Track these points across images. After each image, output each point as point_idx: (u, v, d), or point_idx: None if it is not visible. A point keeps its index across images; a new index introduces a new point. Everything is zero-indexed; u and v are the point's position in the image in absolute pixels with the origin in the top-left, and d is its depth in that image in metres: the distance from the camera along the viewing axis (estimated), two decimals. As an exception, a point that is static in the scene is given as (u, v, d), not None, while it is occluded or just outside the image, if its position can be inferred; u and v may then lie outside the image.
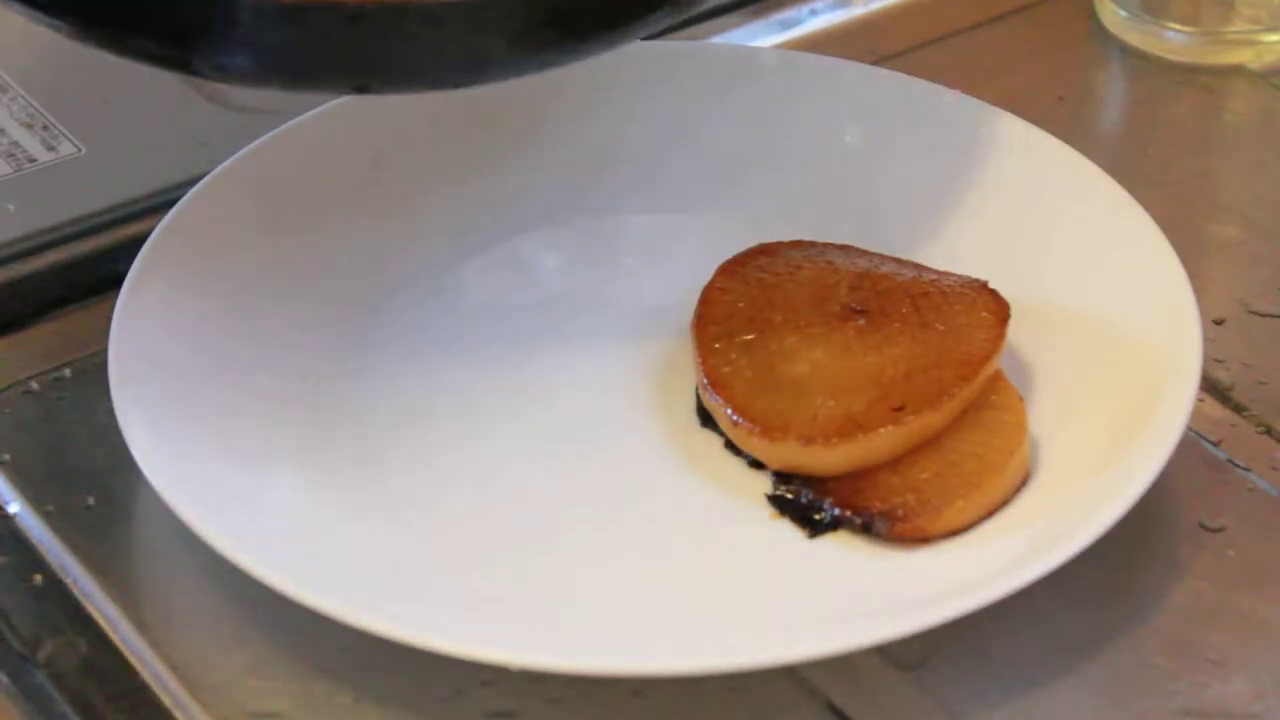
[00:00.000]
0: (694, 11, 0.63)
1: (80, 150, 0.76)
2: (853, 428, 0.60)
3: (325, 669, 0.58)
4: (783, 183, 0.73)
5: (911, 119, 0.73)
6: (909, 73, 0.74)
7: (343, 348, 0.67)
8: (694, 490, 0.62)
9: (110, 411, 0.61)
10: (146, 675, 0.58)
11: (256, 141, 0.71)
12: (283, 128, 0.71)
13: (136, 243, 0.67)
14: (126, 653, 0.59)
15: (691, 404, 0.65)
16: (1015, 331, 0.65)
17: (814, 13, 0.86)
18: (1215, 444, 0.65)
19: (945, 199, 0.71)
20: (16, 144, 0.76)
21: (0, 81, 0.79)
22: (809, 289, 0.66)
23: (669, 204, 0.72)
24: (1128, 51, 0.84)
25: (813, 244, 0.68)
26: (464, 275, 0.70)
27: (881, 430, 0.60)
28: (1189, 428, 0.62)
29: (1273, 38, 0.83)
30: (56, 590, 0.61)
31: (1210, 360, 0.67)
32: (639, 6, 0.59)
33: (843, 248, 0.68)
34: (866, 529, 0.59)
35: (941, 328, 0.64)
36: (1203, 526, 0.63)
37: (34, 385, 0.67)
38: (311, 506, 0.61)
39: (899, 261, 0.67)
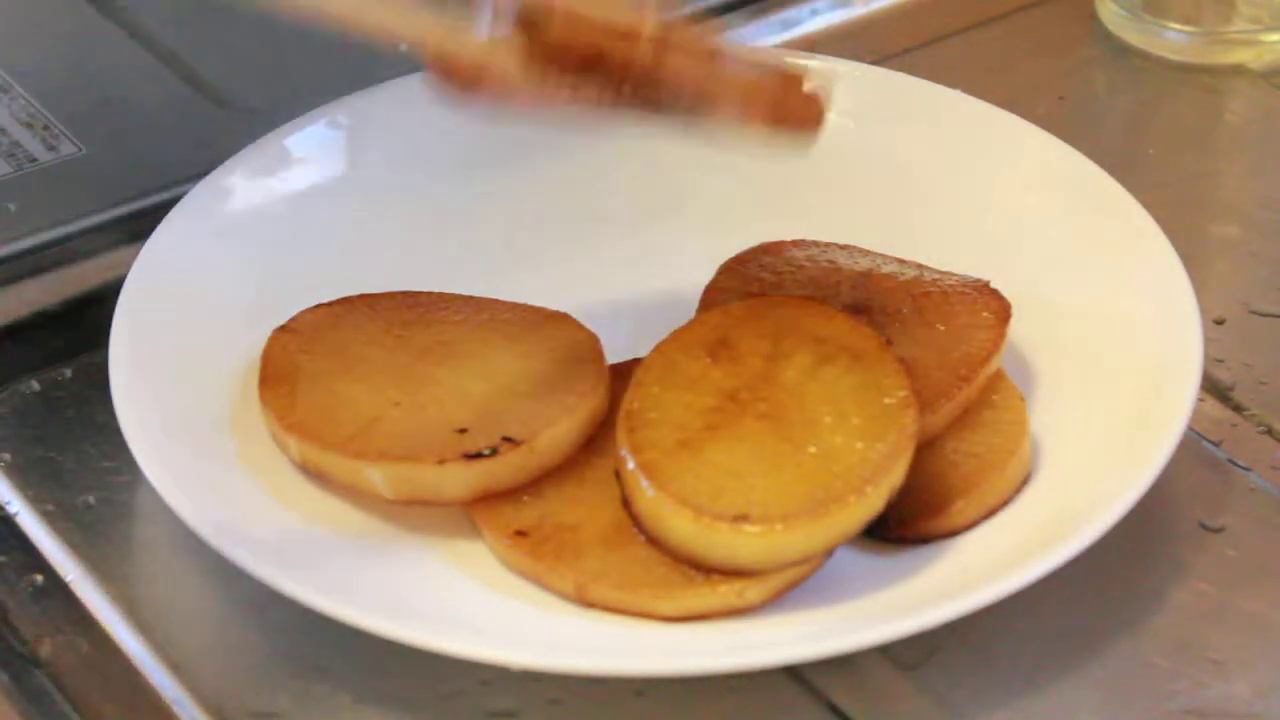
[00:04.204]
0: None
1: (80, 150, 0.76)
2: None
3: (325, 669, 0.58)
4: (783, 182, 0.73)
5: (912, 119, 0.73)
6: (909, 73, 0.74)
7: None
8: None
9: (110, 411, 0.61)
10: (146, 675, 0.58)
11: (256, 141, 0.71)
12: (283, 127, 0.71)
13: (136, 243, 0.67)
14: (126, 653, 0.59)
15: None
16: (1015, 331, 0.65)
17: (814, 13, 0.86)
18: (1216, 444, 0.65)
19: (945, 199, 0.71)
20: (17, 144, 0.76)
21: (0, 81, 0.79)
22: (811, 289, 0.66)
23: (670, 203, 0.72)
24: (1128, 51, 0.84)
25: (815, 244, 0.68)
26: (465, 274, 0.70)
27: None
28: (1189, 428, 0.62)
29: (1273, 38, 0.83)
30: (56, 590, 0.61)
31: (1211, 360, 0.67)
32: None
33: (845, 248, 0.68)
34: (867, 529, 0.59)
35: (942, 328, 0.64)
36: (1203, 526, 0.63)
37: (34, 385, 0.67)
38: (312, 507, 0.61)
39: (901, 261, 0.67)
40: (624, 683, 0.57)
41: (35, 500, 0.63)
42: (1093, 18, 0.85)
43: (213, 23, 0.83)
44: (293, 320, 0.65)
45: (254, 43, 0.83)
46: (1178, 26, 0.83)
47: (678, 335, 0.62)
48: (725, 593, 0.58)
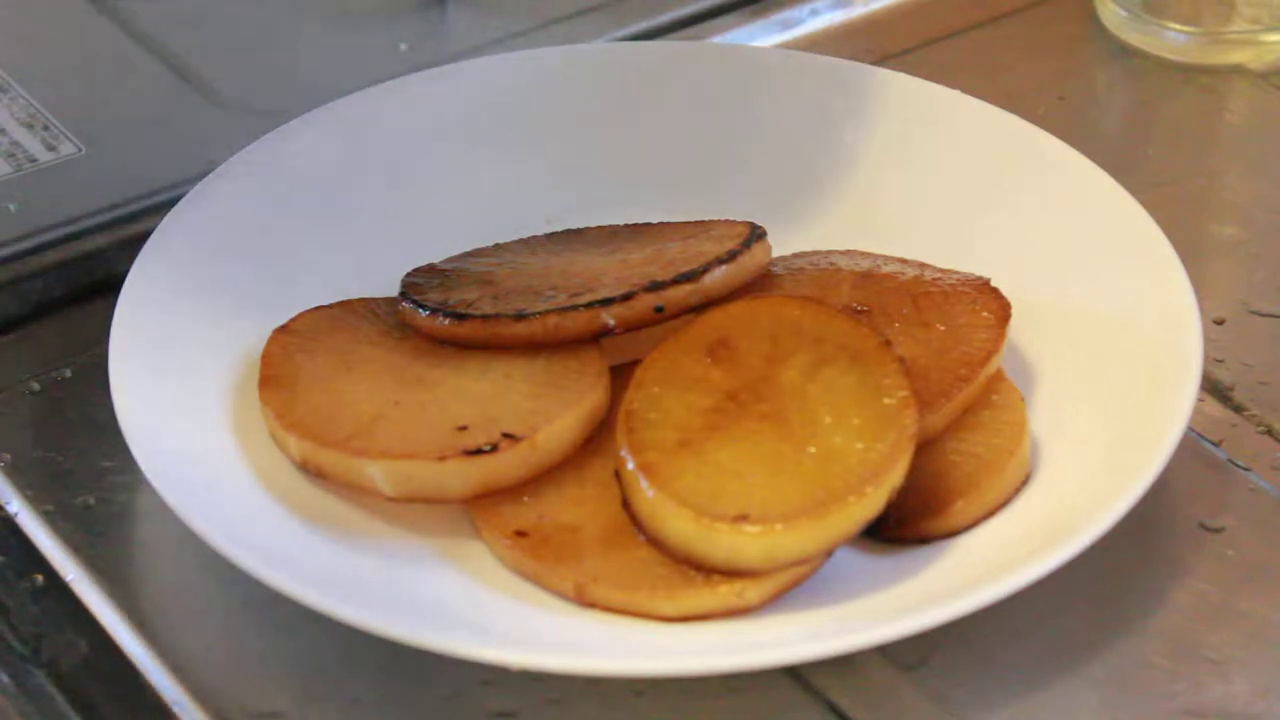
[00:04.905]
0: None
1: (80, 150, 0.76)
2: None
3: (325, 669, 0.58)
4: (783, 183, 0.73)
5: (912, 119, 0.73)
6: (909, 73, 0.74)
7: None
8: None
9: (110, 411, 0.61)
10: (146, 675, 0.58)
11: (256, 141, 0.71)
12: (283, 128, 0.71)
13: (136, 243, 0.67)
14: (126, 653, 0.59)
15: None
16: (1016, 331, 0.65)
17: (814, 13, 0.86)
18: (1215, 444, 0.65)
19: (945, 199, 0.71)
20: (16, 144, 0.76)
21: (0, 81, 0.79)
22: (811, 289, 0.66)
23: (669, 204, 0.72)
24: (1128, 51, 0.84)
25: (815, 252, 0.68)
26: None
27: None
28: (1189, 428, 0.62)
29: (1273, 38, 0.83)
30: (56, 590, 0.61)
31: (1210, 360, 0.67)
32: None
33: (847, 253, 0.68)
34: (867, 529, 0.59)
35: (942, 328, 0.64)
36: (1203, 526, 0.63)
37: (34, 385, 0.67)
38: (312, 507, 0.61)
39: (902, 261, 0.67)
40: (624, 683, 0.57)
41: (35, 500, 0.63)
42: (1093, 18, 0.85)
43: (213, 23, 0.83)
44: (292, 321, 0.65)
45: (254, 43, 0.83)
46: (1178, 26, 0.83)
47: (678, 336, 0.62)
48: (725, 593, 0.58)
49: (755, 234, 0.66)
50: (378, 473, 0.60)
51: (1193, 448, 0.65)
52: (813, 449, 0.59)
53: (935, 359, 0.63)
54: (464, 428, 0.60)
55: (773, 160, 0.73)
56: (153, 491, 0.59)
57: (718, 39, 0.84)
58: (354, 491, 0.61)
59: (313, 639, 0.58)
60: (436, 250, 0.69)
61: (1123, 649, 0.59)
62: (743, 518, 0.57)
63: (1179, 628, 0.60)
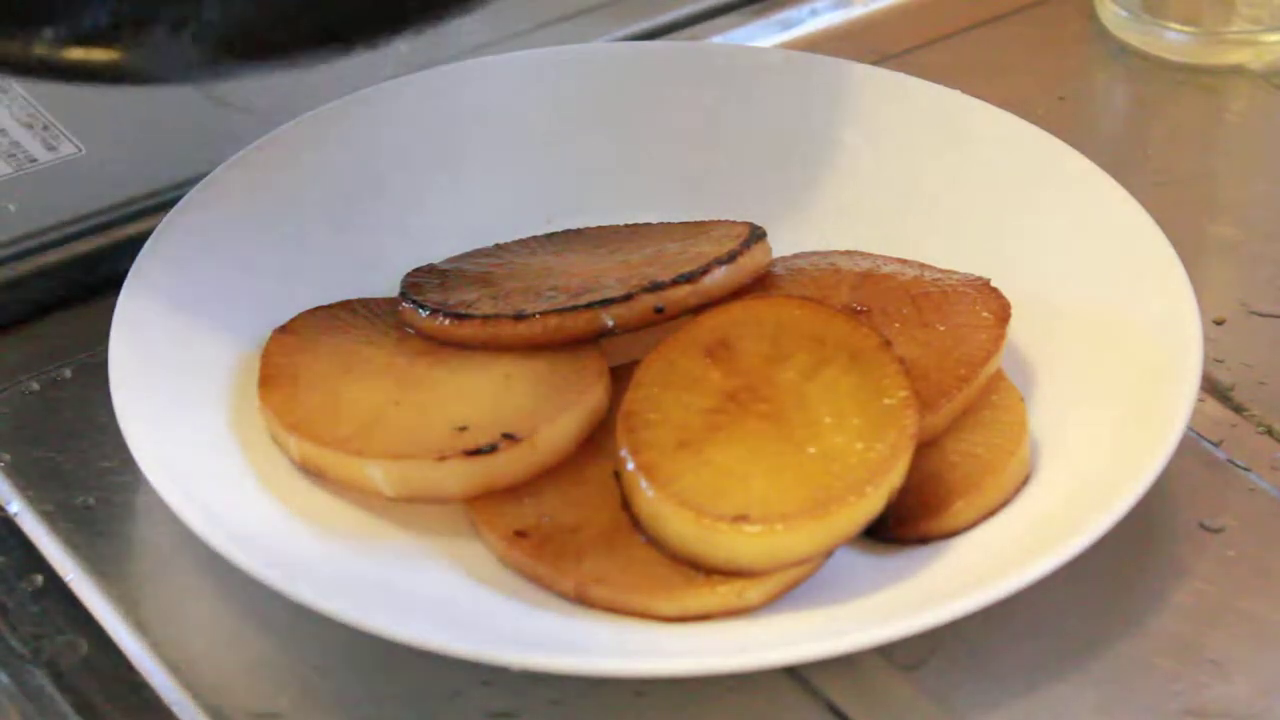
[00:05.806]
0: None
1: (80, 150, 0.76)
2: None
3: (325, 669, 0.58)
4: (783, 183, 0.73)
5: (911, 119, 0.73)
6: (909, 73, 0.74)
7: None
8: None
9: (110, 411, 0.61)
10: (146, 675, 0.58)
11: (256, 141, 0.71)
12: (283, 127, 0.71)
13: (136, 243, 0.67)
14: (126, 653, 0.59)
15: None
16: (1015, 331, 0.65)
17: (814, 13, 0.86)
18: (1215, 444, 0.65)
19: (945, 199, 0.71)
20: (16, 144, 0.76)
21: (0, 81, 0.79)
22: (811, 290, 0.66)
23: (669, 204, 0.72)
24: (1128, 51, 0.84)
25: (815, 252, 0.68)
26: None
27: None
28: (1189, 428, 0.62)
29: (1273, 38, 0.83)
30: (56, 590, 0.61)
31: (1210, 360, 0.67)
32: None
33: (847, 253, 0.68)
34: (867, 529, 0.59)
35: (942, 328, 0.64)
36: (1203, 527, 0.63)
37: (34, 385, 0.67)
38: (312, 507, 0.61)
39: (902, 262, 0.67)
40: (624, 683, 0.57)
41: (35, 500, 0.63)
42: (1092, 18, 0.85)
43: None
44: (292, 321, 0.65)
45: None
46: (1178, 27, 0.83)
47: (677, 336, 0.62)
48: (725, 593, 0.58)
49: (755, 235, 0.66)
50: (377, 473, 0.60)
51: (1193, 448, 0.65)
52: (813, 449, 0.59)
53: (935, 359, 0.63)
54: (464, 428, 0.60)
55: (773, 160, 0.73)
56: (153, 491, 0.59)
57: (718, 39, 0.84)
58: (354, 491, 0.61)
59: (313, 639, 0.58)
60: (436, 250, 0.69)
61: (1123, 649, 0.59)
62: (743, 518, 0.57)
63: (1179, 628, 0.60)
